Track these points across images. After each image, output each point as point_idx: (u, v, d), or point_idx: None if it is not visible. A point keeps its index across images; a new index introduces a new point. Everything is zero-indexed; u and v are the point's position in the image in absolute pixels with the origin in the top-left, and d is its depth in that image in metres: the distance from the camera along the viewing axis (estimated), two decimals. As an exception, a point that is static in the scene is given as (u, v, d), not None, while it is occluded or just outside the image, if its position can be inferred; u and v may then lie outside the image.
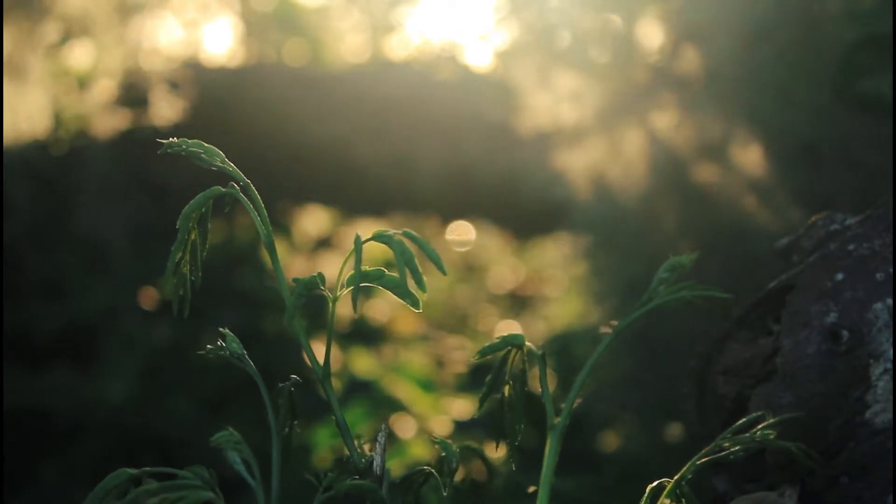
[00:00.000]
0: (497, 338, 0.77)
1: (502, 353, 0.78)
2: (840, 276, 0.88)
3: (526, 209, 4.30)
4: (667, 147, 2.09)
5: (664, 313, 1.85)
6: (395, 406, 2.38)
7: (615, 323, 0.77)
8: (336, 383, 2.14)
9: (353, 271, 0.74)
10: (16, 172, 3.37)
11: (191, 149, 0.75)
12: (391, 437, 2.17)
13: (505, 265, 4.19)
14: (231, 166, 0.76)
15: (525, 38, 2.43)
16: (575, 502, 1.60)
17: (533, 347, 0.77)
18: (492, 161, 4.63)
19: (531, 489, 0.75)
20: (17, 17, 3.48)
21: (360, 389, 2.45)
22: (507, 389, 0.77)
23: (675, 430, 2.00)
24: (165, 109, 3.89)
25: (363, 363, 2.65)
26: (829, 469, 0.83)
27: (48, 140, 3.61)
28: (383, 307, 3.26)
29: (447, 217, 4.50)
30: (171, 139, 0.75)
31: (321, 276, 0.76)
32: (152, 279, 3.06)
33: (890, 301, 0.85)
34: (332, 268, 0.77)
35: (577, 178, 2.34)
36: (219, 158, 0.75)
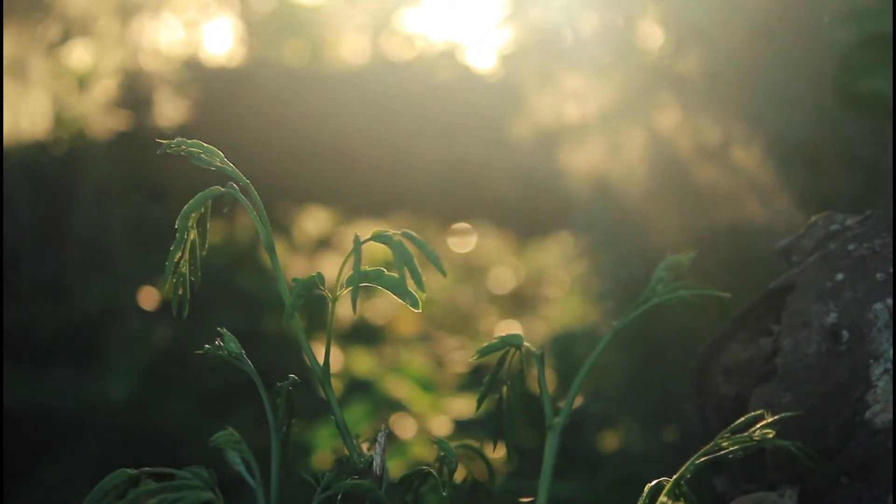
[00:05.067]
0: (496, 338, 0.77)
1: (501, 353, 0.78)
2: (840, 276, 0.88)
3: (527, 210, 4.30)
4: (667, 147, 2.09)
5: (664, 313, 1.85)
6: (395, 406, 2.38)
7: (615, 324, 0.77)
8: (336, 383, 2.14)
9: (352, 271, 0.74)
10: (16, 172, 3.37)
11: (190, 149, 0.75)
12: (391, 437, 2.17)
13: (505, 265, 4.19)
14: (231, 166, 0.76)
15: (525, 38, 2.43)
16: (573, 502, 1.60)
17: (532, 347, 0.77)
18: (492, 161, 4.63)
19: (524, 501, 0.75)
20: (17, 17, 3.48)
21: (360, 389, 2.45)
22: (505, 389, 0.77)
23: (674, 431, 2.00)
24: (165, 110, 3.89)
25: (363, 363, 2.65)
26: (829, 469, 0.83)
27: (48, 140, 3.61)
28: (383, 307, 3.26)
29: (447, 217, 4.50)
30: (170, 139, 0.75)
31: (321, 276, 0.76)
32: (152, 279, 3.06)
33: (890, 301, 0.85)
34: (332, 268, 0.77)
35: (577, 178, 2.34)
36: (218, 158, 0.75)
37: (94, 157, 3.62)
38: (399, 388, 2.45)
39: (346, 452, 0.77)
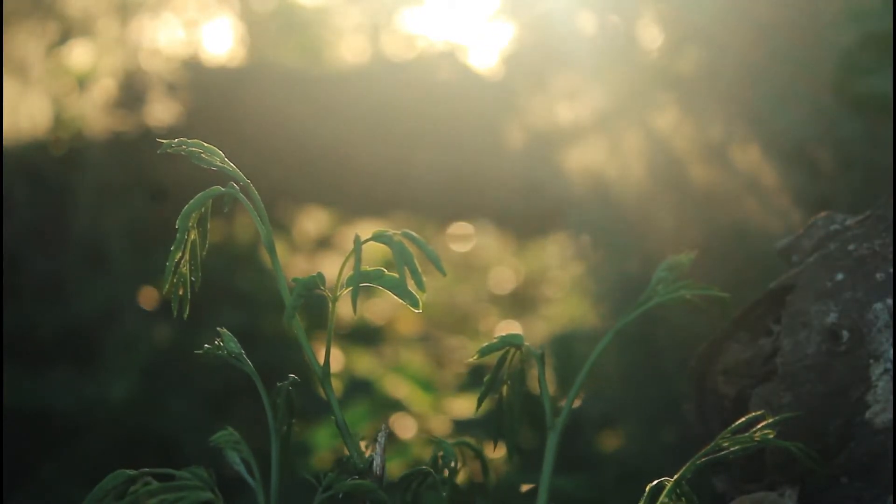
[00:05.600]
0: (496, 337, 0.77)
1: (501, 352, 0.78)
2: (840, 276, 0.88)
3: (527, 210, 4.30)
4: (666, 147, 2.09)
5: (664, 313, 1.85)
6: (395, 406, 2.38)
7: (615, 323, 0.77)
8: (336, 383, 2.14)
9: (352, 271, 0.74)
10: (16, 172, 3.37)
11: (191, 148, 0.75)
12: (391, 437, 2.17)
13: (505, 265, 4.19)
14: (231, 166, 0.76)
15: (526, 38, 2.43)
16: (574, 501, 1.60)
17: (532, 347, 0.77)
18: (492, 161, 4.63)
19: (524, 488, 0.75)
20: (17, 17, 3.48)
21: (360, 389, 2.45)
22: (505, 389, 0.77)
23: (674, 431, 2.00)
24: (165, 109, 3.89)
25: (363, 363, 2.65)
26: (829, 469, 0.83)
27: (48, 140, 3.61)
28: (383, 307, 3.26)
29: (447, 217, 4.50)
30: (171, 139, 0.75)
31: (321, 276, 0.76)
32: (152, 279, 3.06)
33: (890, 301, 0.85)
34: (332, 268, 0.77)
35: (576, 178, 2.34)
36: (219, 158, 0.75)
37: (93, 157, 3.62)
38: (399, 388, 2.45)
39: (347, 452, 0.77)
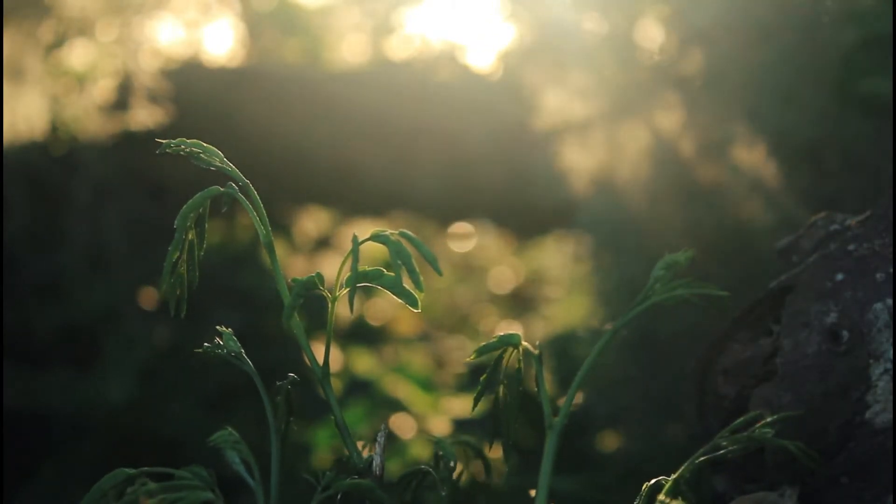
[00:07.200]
0: (494, 337, 0.77)
1: (499, 352, 0.78)
2: (840, 276, 0.88)
3: (527, 210, 4.30)
4: (670, 148, 2.09)
5: (664, 313, 1.85)
6: (395, 406, 2.38)
7: (609, 326, 0.77)
8: (336, 383, 2.14)
9: (351, 271, 0.74)
10: (14, 173, 3.37)
11: (190, 149, 0.75)
12: (391, 437, 2.17)
13: (505, 265, 4.19)
14: (230, 166, 0.76)
15: (528, 37, 2.43)
16: (576, 501, 1.60)
17: (529, 347, 0.77)
18: (492, 162, 4.63)
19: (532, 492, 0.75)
20: (16, 17, 3.48)
21: (360, 389, 2.45)
22: (501, 388, 0.77)
23: (675, 430, 2.00)
24: (164, 110, 3.89)
25: (363, 363, 2.65)
26: (829, 469, 0.83)
27: (47, 141, 3.61)
28: (383, 307, 3.26)
29: (447, 217, 4.50)
30: (170, 139, 0.75)
31: (320, 276, 0.76)
32: (152, 279, 3.06)
33: (890, 301, 0.85)
34: (332, 268, 0.77)
35: (579, 178, 2.34)
36: (218, 158, 0.75)
37: (92, 157, 3.62)
38: (399, 388, 2.45)
39: (346, 452, 0.77)
